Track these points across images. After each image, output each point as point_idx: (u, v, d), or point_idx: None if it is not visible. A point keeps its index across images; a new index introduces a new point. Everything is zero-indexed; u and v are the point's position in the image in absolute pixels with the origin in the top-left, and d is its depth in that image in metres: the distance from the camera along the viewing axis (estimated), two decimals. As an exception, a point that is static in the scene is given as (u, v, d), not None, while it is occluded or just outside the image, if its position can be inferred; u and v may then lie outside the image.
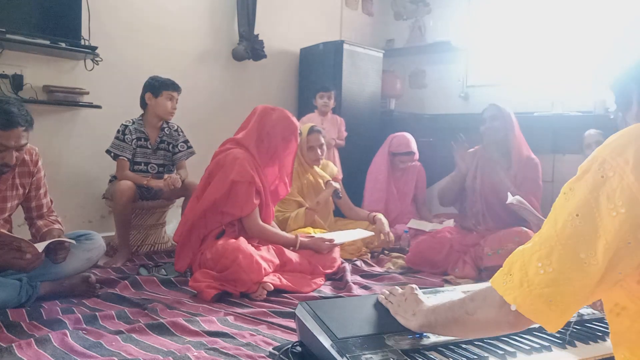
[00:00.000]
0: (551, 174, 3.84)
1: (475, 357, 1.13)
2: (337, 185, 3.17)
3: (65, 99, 2.99)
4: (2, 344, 1.59)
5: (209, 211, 2.42)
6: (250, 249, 2.27)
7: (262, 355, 1.57)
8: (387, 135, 3.84)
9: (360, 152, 4.19)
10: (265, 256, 2.30)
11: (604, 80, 3.87)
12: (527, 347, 1.19)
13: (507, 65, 4.55)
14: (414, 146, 3.72)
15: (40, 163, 2.17)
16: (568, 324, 1.27)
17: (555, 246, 0.81)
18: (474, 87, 4.75)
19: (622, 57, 3.77)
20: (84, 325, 1.80)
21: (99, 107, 3.10)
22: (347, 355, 1.07)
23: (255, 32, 3.90)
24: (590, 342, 1.24)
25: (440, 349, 1.17)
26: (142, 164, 3.04)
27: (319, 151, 3.14)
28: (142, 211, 3.07)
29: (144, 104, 3.02)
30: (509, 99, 3.52)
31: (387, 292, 1.32)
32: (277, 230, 2.60)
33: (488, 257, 2.59)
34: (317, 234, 2.76)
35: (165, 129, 3.11)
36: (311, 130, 3.15)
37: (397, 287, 1.33)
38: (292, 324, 1.80)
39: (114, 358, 1.53)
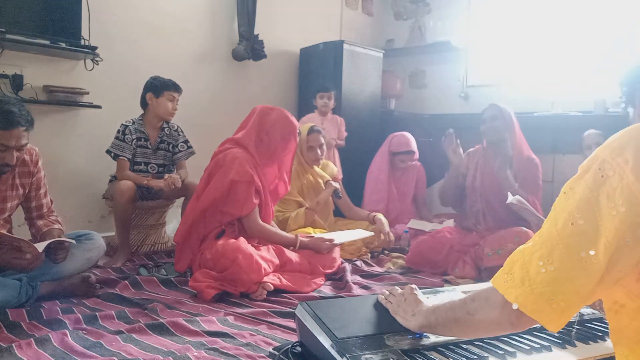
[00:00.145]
0: (551, 174, 3.84)
1: (475, 357, 1.13)
2: (337, 185, 3.17)
3: (65, 99, 2.99)
4: (2, 344, 1.59)
5: (209, 211, 2.42)
6: (250, 249, 2.27)
7: (262, 355, 1.57)
8: (387, 135, 3.84)
9: (360, 152, 4.19)
10: (265, 256, 2.30)
11: (605, 79, 3.87)
12: (527, 347, 1.19)
13: (507, 65, 4.55)
14: (414, 145, 3.72)
15: (40, 163, 2.17)
16: (571, 324, 1.28)
17: (556, 245, 0.81)
18: (474, 87, 4.75)
19: (623, 57, 3.78)
20: (84, 325, 1.80)
21: (99, 107, 3.10)
22: (347, 355, 1.07)
23: (255, 32, 3.90)
24: (590, 342, 1.24)
25: (440, 349, 1.17)
26: (142, 164, 3.04)
27: (318, 151, 3.14)
28: (142, 211, 3.07)
29: (144, 104, 3.02)
30: (509, 99, 3.51)
31: (387, 292, 1.32)
32: (277, 230, 2.60)
33: (488, 257, 2.59)
34: (317, 234, 2.77)
35: (166, 129, 3.11)
36: (311, 130, 3.15)
37: (396, 287, 1.33)
38: (292, 324, 1.80)
39: (114, 358, 1.53)
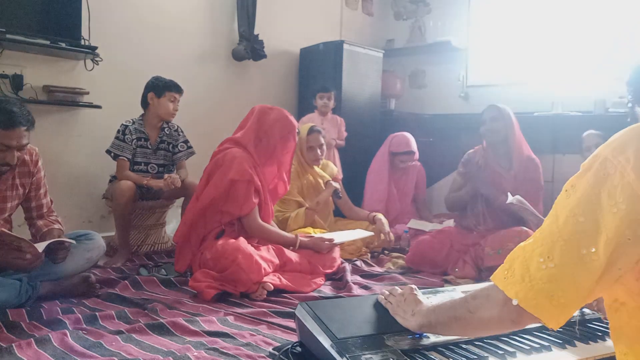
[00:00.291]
0: (551, 174, 3.84)
1: (475, 357, 1.13)
2: (337, 185, 3.17)
3: (65, 99, 2.99)
4: (2, 344, 1.59)
5: (208, 210, 2.42)
6: (249, 249, 2.27)
7: (262, 355, 1.57)
8: (387, 135, 3.84)
9: (360, 152, 4.19)
10: (265, 256, 2.30)
11: (605, 79, 3.87)
12: (527, 347, 1.19)
13: (507, 65, 4.55)
14: (414, 146, 3.72)
15: (40, 163, 2.17)
16: (572, 324, 1.28)
17: (556, 242, 0.82)
18: (474, 87, 4.75)
19: (623, 56, 3.78)
20: (84, 325, 1.80)
21: (99, 107, 3.10)
22: (347, 356, 1.07)
23: (255, 32, 3.90)
24: (590, 342, 1.24)
25: (440, 349, 1.18)
26: (142, 164, 3.04)
27: (318, 151, 3.14)
28: (142, 211, 3.07)
29: (145, 104, 3.02)
30: (509, 99, 3.52)
31: (387, 292, 1.32)
32: (277, 230, 2.60)
33: (488, 257, 2.59)
34: (317, 234, 2.77)
35: (165, 129, 3.11)
36: (311, 131, 3.15)
37: (396, 287, 1.33)
38: (292, 324, 1.80)
39: (114, 358, 1.53)
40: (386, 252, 3.22)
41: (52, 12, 2.88)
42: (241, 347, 1.62)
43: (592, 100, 3.80)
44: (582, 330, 1.30)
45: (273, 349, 1.59)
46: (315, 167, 3.25)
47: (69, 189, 3.11)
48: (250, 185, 2.42)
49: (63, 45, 2.88)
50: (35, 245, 1.92)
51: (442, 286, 2.03)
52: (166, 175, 2.86)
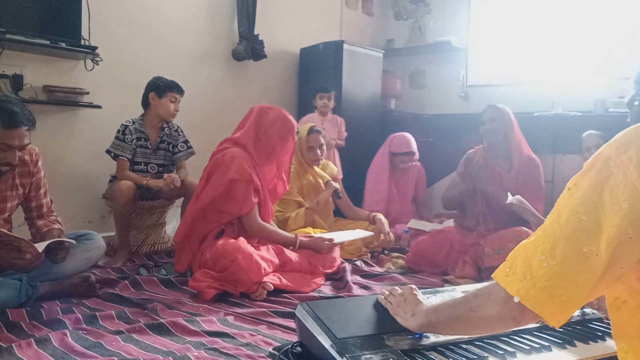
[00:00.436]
0: (551, 174, 3.84)
1: (475, 357, 1.13)
2: (337, 185, 3.17)
3: (65, 99, 2.99)
4: (2, 344, 1.59)
5: (208, 210, 2.42)
6: (249, 249, 2.27)
7: (262, 355, 1.57)
8: (387, 135, 3.84)
9: (360, 152, 4.19)
10: (264, 256, 2.30)
11: (605, 79, 3.87)
12: (527, 347, 1.19)
13: (507, 65, 4.55)
14: (414, 146, 3.72)
15: (40, 163, 2.17)
16: (573, 324, 1.28)
17: (558, 240, 0.82)
18: (474, 87, 4.75)
19: (623, 56, 3.78)
20: (84, 325, 1.80)
21: (99, 107, 3.10)
22: (347, 356, 1.07)
23: (255, 32, 3.90)
24: (590, 342, 1.24)
25: (440, 349, 1.17)
26: (142, 164, 3.04)
27: (318, 152, 3.14)
28: (142, 211, 3.07)
29: (146, 103, 3.02)
30: (509, 99, 3.52)
31: (387, 293, 1.32)
32: (277, 229, 2.60)
33: (488, 257, 2.59)
34: (317, 234, 2.77)
35: (166, 129, 3.11)
36: (311, 131, 3.15)
37: (396, 287, 1.33)
38: (292, 324, 1.80)
39: (114, 358, 1.53)
40: (386, 252, 3.22)
41: (52, 12, 2.88)
42: (241, 347, 1.62)
43: (592, 100, 3.80)
44: (579, 330, 1.30)
45: (273, 349, 1.59)
46: (315, 167, 3.25)
47: (69, 189, 3.11)
48: (249, 185, 2.42)
49: (63, 45, 2.88)
50: (35, 245, 1.92)
51: (442, 286, 2.03)
52: (165, 175, 2.87)
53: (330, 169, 3.40)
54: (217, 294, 2.16)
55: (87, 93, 3.06)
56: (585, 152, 3.34)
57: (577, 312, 1.40)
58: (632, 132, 0.80)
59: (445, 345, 1.18)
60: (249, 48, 3.86)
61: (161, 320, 1.83)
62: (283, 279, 2.30)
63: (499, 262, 0.92)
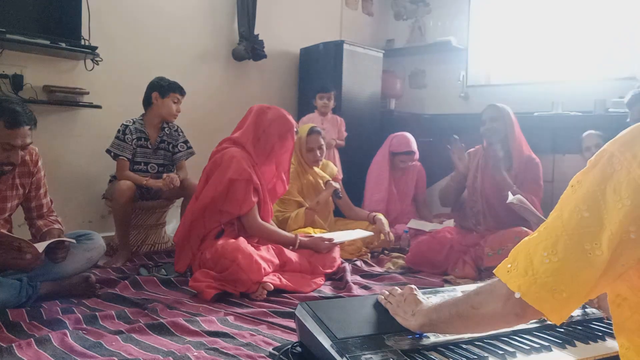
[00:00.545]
0: (551, 174, 3.84)
1: (475, 357, 1.13)
2: (337, 185, 3.17)
3: (65, 99, 2.99)
4: (2, 344, 1.59)
5: (208, 210, 2.42)
6: (249, 249, 2.27)
7: (262, 355, 1.57)
8: (387, 135, 3.84)
9: (360, 152, 4.19)
10: (264, 256, 2.30)
11: (605, 79, 3.87)
12: (527, 347, 1.19)
13: (507, 65, 4.55)
14: (414, 146, 3.72)
15: (40, 163, 2.17)
16: (573, 324, 1.28)
17: (561, 236, 0.82)
18: (474, 87, 4.74)
19: (623, 56, 3.78)
20: (84, 325, 1.80)
21: (99, 107, 3.10)
22: (347, 356, 1.07)
23: (255, 32, 3.90)
24: (590, 342, 1.24)
25: (440, 349, 1.17)
26: (142, 164, 3.04)
27: (318, 152, 3.14)
28: (142, 211, 3.07)
29: (148, 103, 3.01)
30: (509, 99, 3.51)
31: (387, 293, 1.32)
32: (277, 229, 2.60)
33: (488, 257, 2.59)
34: (317, 234, 2.77)
35: (166, 129, 3.11)
36: (311, 131, 3.15)
37: (396, 287, 1.33)
38: (292, 324, 1.80)
39: (114, 358, 1.53)
40: (386, 252, 3.22)
41: (52, 12, 2.89)
42: (241, 347, 1.62)
43: (592, 100, 3.80)
44: (580, 330, 1.30)
45: (273, 349, 1.59)
46: (315, 167, 3.25)
47: (69, 189, 3.11)
48: (249, 184, 2.42)
49: (63, 45, 2.88)
50: (35, 245, 1.92)
51: (442, 286, 2.03)
52: (165, 175, 2.87)
53: (330, 169, 3.40)
54: (217, 294, 2.16)
55: (87, 93, 3.06)
56: (585, 152, 3.34)
57: (577, 312, 1.40)
58: (636, 130, 0.80)
59: (445, 345, 1.18)
60: (249, 48, 3.86)
61: (161, 320, 1.83)
62: (283, 279, 2.30)
63: (499, 262, 0.92)
